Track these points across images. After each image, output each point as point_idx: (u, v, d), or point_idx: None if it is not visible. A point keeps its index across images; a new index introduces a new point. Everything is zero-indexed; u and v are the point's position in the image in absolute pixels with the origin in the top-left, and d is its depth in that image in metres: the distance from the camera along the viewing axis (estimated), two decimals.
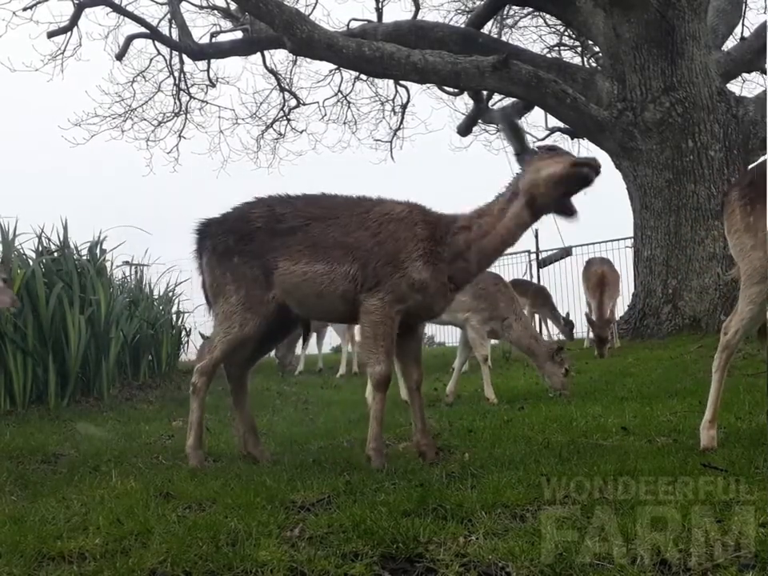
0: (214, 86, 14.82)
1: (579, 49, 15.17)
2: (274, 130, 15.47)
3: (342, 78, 14.95)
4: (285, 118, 15.35)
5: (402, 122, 15.52)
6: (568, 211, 3.28)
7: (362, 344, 3.38)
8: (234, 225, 3.49)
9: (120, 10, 12.83)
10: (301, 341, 10.00)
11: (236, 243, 3.44)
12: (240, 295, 3.40)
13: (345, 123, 15.53)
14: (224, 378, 3.85)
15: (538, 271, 14.47)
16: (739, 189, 3.33)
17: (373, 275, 3.23)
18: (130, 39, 13.35)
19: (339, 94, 15.20)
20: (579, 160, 3.25)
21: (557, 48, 15.23)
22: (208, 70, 14.65)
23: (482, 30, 12.62)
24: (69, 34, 13.03)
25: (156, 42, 13.55)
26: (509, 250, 3.61)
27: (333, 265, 3.29)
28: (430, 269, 3.24)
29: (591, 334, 9.53)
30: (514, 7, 14.08)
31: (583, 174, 3.15)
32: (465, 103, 15.01)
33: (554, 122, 13.99)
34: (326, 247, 3.31)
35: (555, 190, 3.18)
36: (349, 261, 3.27)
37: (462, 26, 13.29)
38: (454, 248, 3.29)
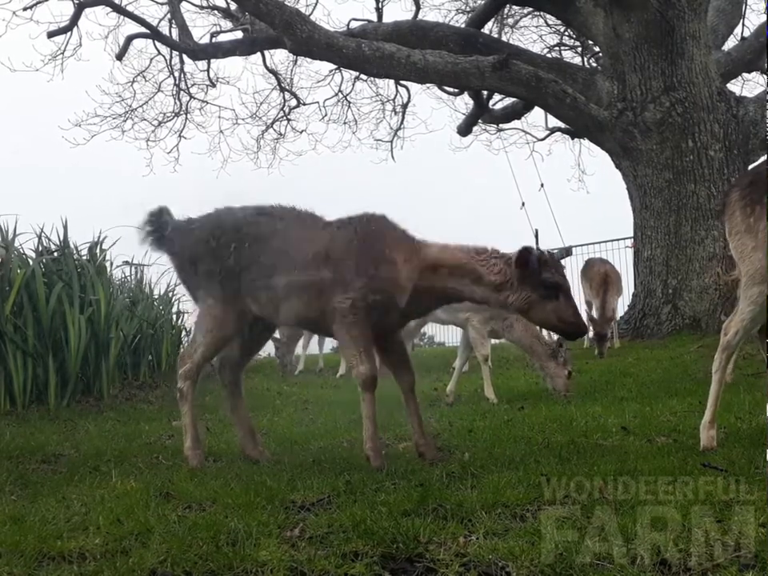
0: (214, 86, 14.80)
1: (579, 49, 15.15)
2: (274, 130, 15.45)
3: (342, 77, 14.94)
4: (285, 118, 15.33)
5: (402, 122, 15.51)
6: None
7: (342, 349, 3.41)
8: (205, 229, 3.52)
9: (120, 10, 12.81)
10: (302, 340, 10.03)
11: (206, 245, 3.46)
12: (214, 297, 3.44)
13: (345, 123, 15.51)
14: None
15: None
16: (739, 190, 3.33)
17: (342, 283, 3.26)
18: (129, 39, 13.34)
19: (339, 94, 15.19)
20: (576, 329, 3.38)
21: (557, 48, 15.22)
22: (208, 70, 14.64)
23: (482, 30, 12.60)
24: (69, 34, 13.00)
25: (156, 42, 13.53)
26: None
27: (302, 277, 3.32)
28: (393, 284, 3.26)
29: (591, 333, 9.55)
30: (514, 7, 14.07)
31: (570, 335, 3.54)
32: (465, 103, 15.00)
33: (554, 121, 14.01)
34: (295, 260, 3.35)
35: (542, 324, 3.59)
36: (317, 273, 3.30)
37: (462, 26, 13.28)
38: (423, 279, 3.30)
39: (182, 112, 14.67)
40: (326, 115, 15.33)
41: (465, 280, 3.32)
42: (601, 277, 9.43)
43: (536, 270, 3.21)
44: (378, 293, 3.25)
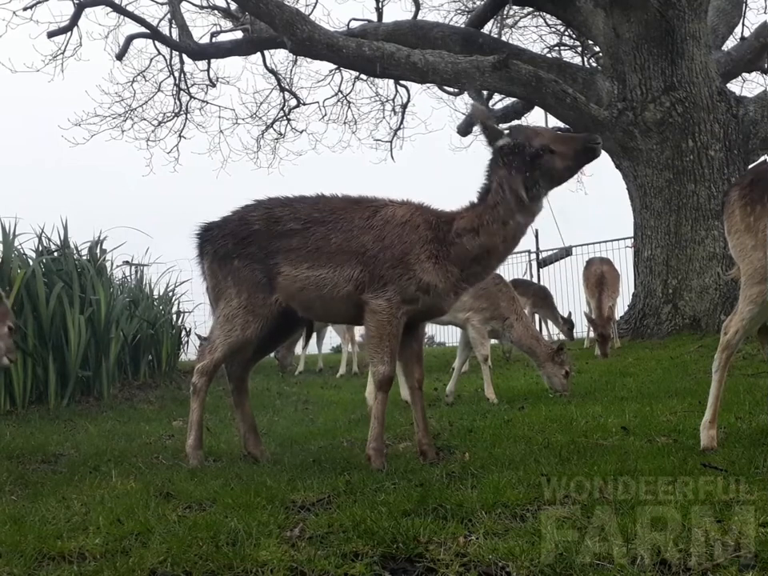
0: (214, 85, 14.82)
1: (579, 49, 15.17)
2: (274, 129, 15.47)
3: (342, 77, 14.96)
4: (285, 117, 15.34)
5: (402, 122, 15.53)
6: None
7: (368, 344, 3.36)
8: (234, 228, 3.49)
9: (120, 10, 12.82)
10: (301, 341, 10.03)
11: (236, 246, 3.44)
12: (242, 298, 3.41)
13: (345, 123, 15.54)
14: (224, 378, 3.86)
15: (538, 271, 14.48)
16: (739, 189, 3.33)
17: (379, 278, 3.23)
18: (130, 39, 13.35)
19: (339, 93, 15.20)
20: (589, 142, 3.23)
21: (557, 48, 15.24)
22: (208, 70, 14.66)
23: (482, 30, 12.61)
24: (69, 33, 13.02)
25: (156, 42, 13.54)
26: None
27: (336, 269, 3.29)
28: (439, 270, 3.24)
29: (592, 334, 9.56)
30: (514, 7, 14.07)
31: (594, 154, 3.23)
32: (465, 103, 15.03)
33: (554, 121, 13.99)
34: (329, 252, 3.31)
35: (569, 169, 3.27)
36: (352, 265, 3.27)
37: (462, 26, 13.29)
38: (462, 250, 3.26)
39: (182, 112, 14.68)
40: (325, 115, 15.36)
41: (500, 233, 3.25)
42: (596, 277, 9.40)
43: (519, 154, 3.17)
44: (417, 295, 3.23)
